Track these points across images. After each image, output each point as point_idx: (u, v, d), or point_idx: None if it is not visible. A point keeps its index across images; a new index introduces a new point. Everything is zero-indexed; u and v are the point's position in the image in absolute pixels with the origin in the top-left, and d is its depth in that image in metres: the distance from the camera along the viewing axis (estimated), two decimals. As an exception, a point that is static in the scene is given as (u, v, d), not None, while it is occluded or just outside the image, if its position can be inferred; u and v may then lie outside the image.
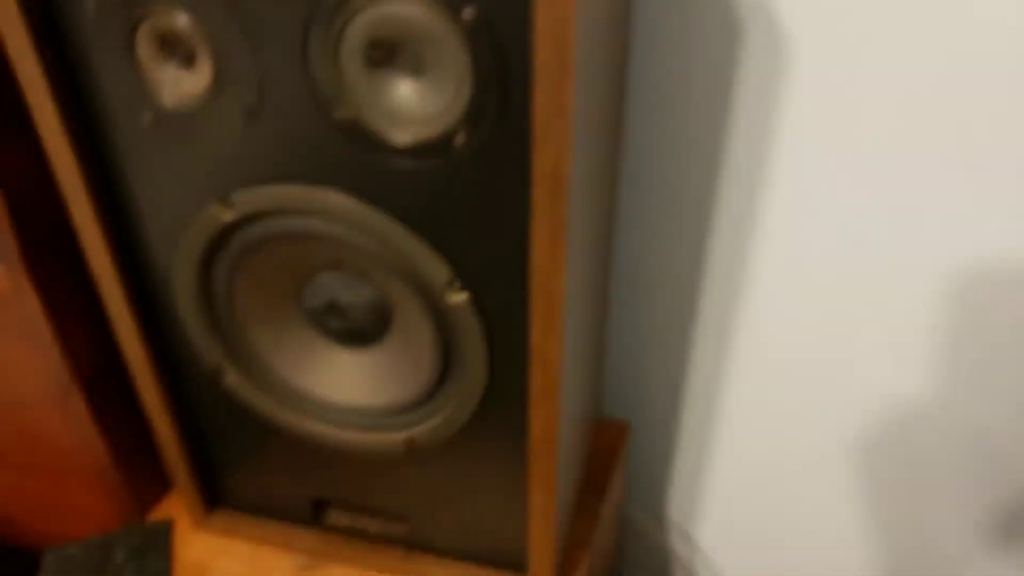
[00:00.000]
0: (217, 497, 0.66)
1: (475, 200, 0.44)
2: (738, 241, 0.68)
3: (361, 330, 0.53)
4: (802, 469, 0.79)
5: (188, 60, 0.44)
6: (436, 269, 0.47)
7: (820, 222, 0.64)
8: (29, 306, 0.55)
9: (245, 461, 0.62)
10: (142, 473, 0.67)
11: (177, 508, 0.68)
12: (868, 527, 0.81)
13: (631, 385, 0.79)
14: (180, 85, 0.45)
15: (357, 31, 0.40)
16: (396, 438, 0.55)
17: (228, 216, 0.48)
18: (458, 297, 0.48)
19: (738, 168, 0.64)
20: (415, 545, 0.62)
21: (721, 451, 0.81)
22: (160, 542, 0.65)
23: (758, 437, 0.79)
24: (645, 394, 0.80)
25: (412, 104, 0.42)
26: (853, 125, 0.59)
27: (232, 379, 0.56)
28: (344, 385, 0.55)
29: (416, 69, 0.41)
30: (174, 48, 0.44)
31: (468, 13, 0.38)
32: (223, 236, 0.49)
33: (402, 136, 0.43)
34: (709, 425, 0.79)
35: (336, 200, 0.46)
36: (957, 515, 0.75)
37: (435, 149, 0.43)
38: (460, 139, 0.42)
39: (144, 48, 0.44)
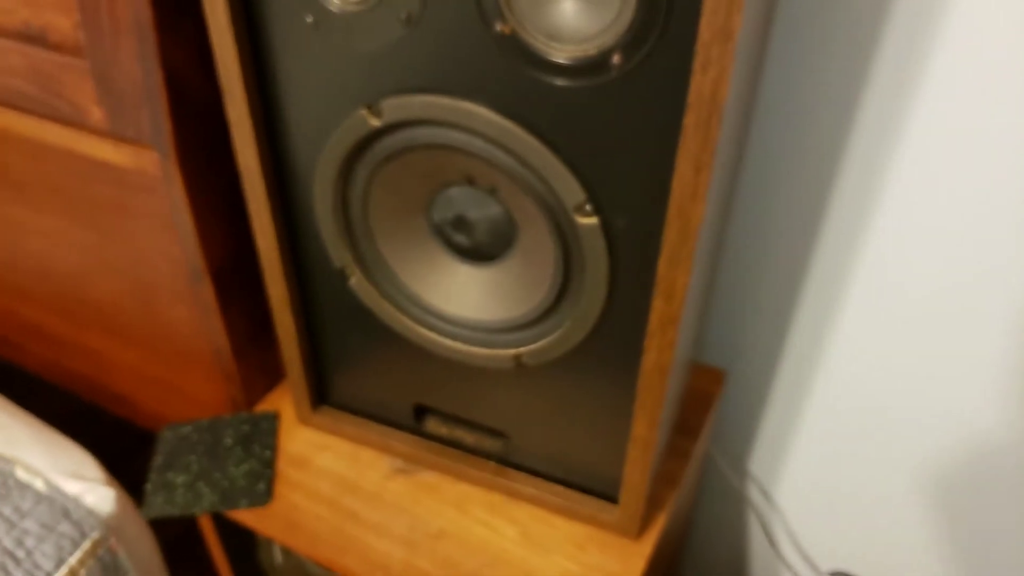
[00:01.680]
0: (323, 396, 0.69)
1: (620, 123, 0.44)
2: (856, 218, 0.66)
3: (484, 247, 0.55)
4: (883, 459, 0.79)
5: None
6: (570, 190, 0.48)
7: (936, 211, 0.62)
8: (175, 194, 0.58)
9: (355, 363, 0.65)
10: (254, 367, 0.70)
11: (282, 404, 0.72)
12: (939, 534, 0.80)
13: (729, 336, 0.80)
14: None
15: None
16: (505, 354, 0.57)
17: (376, 122, 0.49)
18: (589, 220, 0.48)
19: (875, 124, 0.62)
20: (508, 462, 0.64)
21: (809, 419, 0.80)
22: (267, 431, 0.69)
23: (846, 416, 0.78)
24: (742, 348, 0.80)
25: (573, 21, 0.43)
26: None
27: (355, 281, 0.58)
28: (461, 299, 0.57)
29: (583, -15, 0.41)
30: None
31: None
32: (367, 141, 0.51)
33: (559, 53, 0.43)
34: (801, 392, 0.79)
35: (482, 114, 0.47)
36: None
37: (590, 68, 0.43)
38: (616, 59, 0.43)
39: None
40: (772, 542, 0.91)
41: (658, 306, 0.49)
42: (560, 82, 0.44)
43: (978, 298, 0.65)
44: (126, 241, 0.65)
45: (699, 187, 0.43)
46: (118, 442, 0.87)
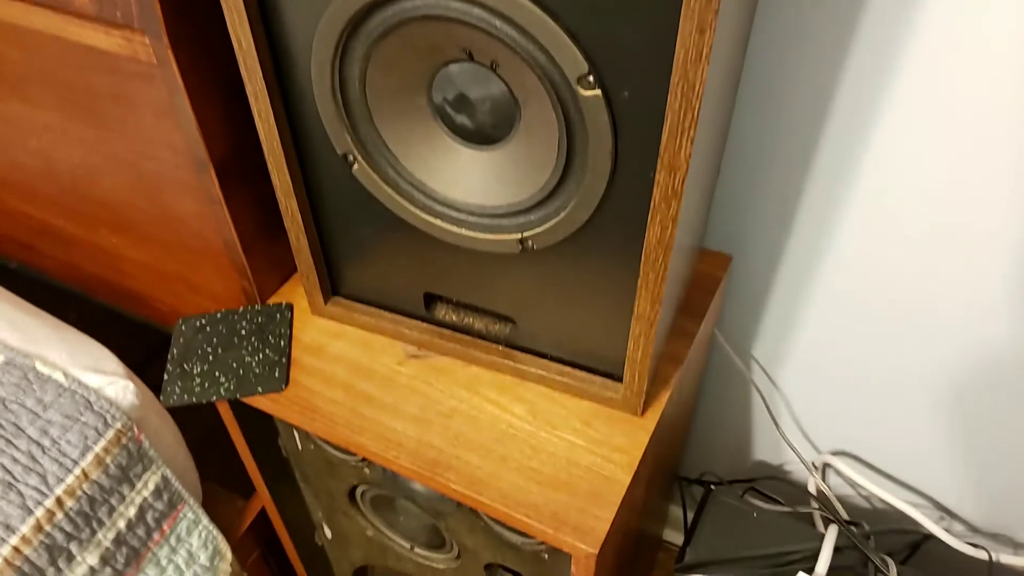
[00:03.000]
0: (335, 287, 0.70)
1: (622, -14, 0.43)
2: (866, 103, 0.64)
3: (487, 128, 0.54)
4: (886, 348, 0.80)
5: None
6: (572, 60, 0.46)
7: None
8: (171, 79, 0.57)
9: (364, 253, 0.65)
10: (265, 259, 0.71)
11: (295, 296, 0.73)
12: (939, 421, 0.81)
13: (736, 222, 0.79)
14: None
15: None
16: (511, 239, 0.57)
17: (370, -7, 0.48)
18: (592, 92, 0.47)
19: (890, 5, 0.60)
20: (516, 345, 0.65)
21: (813, 305, 0.81)
22: (281, 321, 0.71)
23: (850, 304, 0.79)
24: (748, 233, 0.79)
25: None
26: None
27: (359, 168, 0.58)
28: (465, 183, 0.57)
29: None
30: None
31: None
32: (363, 15, 0.50)
33: (557, -91, 0.42)
34: (806, 278, 0.79)
35: (479, -20, 0.45)
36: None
37: (589, -74, 0.42)
38: (617, -86, 0.41)
39: None
40: (776, 423, 0.93)
41: (661, 180, 0.48)
42: (559, -58, 0.43)
43: (987, 194, 0.65)
44: (127, 133, 0.64)
45: (703, 48, 0.42)
46: (137, 347, 0.89)
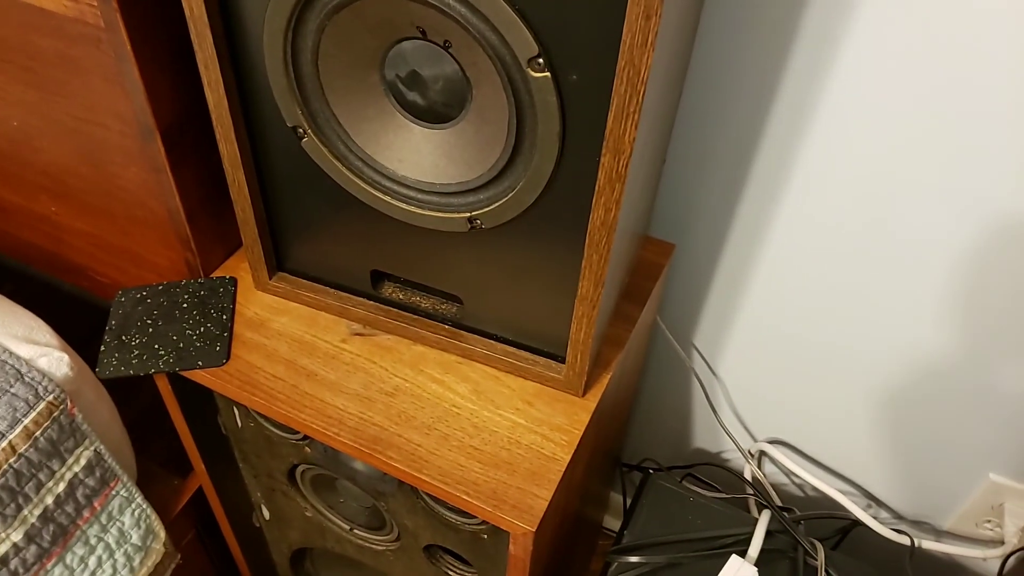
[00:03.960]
0: (281, 262, 0.70)
1: (573, -31, 0.44)
2: (808, 97, 0.67)
3: (438, 106, 0.55)
4: (822, 343, 0.83)
5: None
6: (523, 42, 0.47)
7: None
8: (119, 45, 0.56)
9: (312, 229, 0.65)
10: (209, 232, 0.70)
11: (239, 271, 0.73)
12: (874, 414, 0.85)
13: (679, 211, 0.81)
14: None
15: None
16: (460, 218, 0.58)
17: (324, -37, 0.48)
18: (541, 74, 0.48)
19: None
20: (462, 325, 0.66)
21: (753, 297, 0.84)
22: (224, 295, 0.70)
23: (789, 298, 0.81)
24: (691, 223, 0.81)
25: None
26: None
27: (308, 141, 0.58)
28: (416, 161, 0.57)
29: None
30: None
31: None
32: (316, -14, 0.50)
33: None
34: (747, 269, 0.82)
35: (433, -44, 0.46)
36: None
37: (542, -93, 0.42)
38: (570, -103, 0.42)
39: None
40: (714, 411, 0.96)
41: (606, 163, 0.50)
42: (513, -79, 0.43)
43: (918, 201, 0.68)
44: (71, 97, 0.63)
45: (649, 34, 0.43)
46: (76, 323, 0.87)
